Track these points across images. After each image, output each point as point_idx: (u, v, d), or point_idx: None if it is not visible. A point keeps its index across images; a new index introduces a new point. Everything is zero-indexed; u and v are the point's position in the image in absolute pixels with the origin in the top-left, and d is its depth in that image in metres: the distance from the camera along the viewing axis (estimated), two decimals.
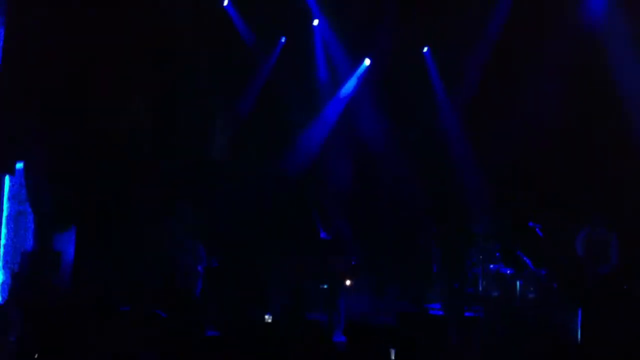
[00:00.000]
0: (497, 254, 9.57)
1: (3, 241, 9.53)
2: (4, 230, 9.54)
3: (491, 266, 9.52)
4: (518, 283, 9.05)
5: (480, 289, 9.50)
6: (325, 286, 9.18)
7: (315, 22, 11.84)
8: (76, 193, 9.85)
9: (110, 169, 10.23)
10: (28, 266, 9.33)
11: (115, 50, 10.33)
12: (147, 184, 10.60)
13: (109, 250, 9.78)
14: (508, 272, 9.26)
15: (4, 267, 9.46)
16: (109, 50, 10.25)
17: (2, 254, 9.49)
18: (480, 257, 9.70)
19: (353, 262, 9.12)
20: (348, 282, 9.04)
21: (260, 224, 10.96)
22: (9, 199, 9.62)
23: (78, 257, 9.71)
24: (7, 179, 9.59)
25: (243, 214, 10.84)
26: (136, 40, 10.56)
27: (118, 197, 10.30)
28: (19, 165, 9.73)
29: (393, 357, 6.31)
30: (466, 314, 8.84)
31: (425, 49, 11.76)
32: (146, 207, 10.46)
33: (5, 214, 9.56)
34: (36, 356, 6.06)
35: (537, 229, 9.27)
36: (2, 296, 9.29)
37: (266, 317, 8.35)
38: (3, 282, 9.40)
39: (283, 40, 11.81)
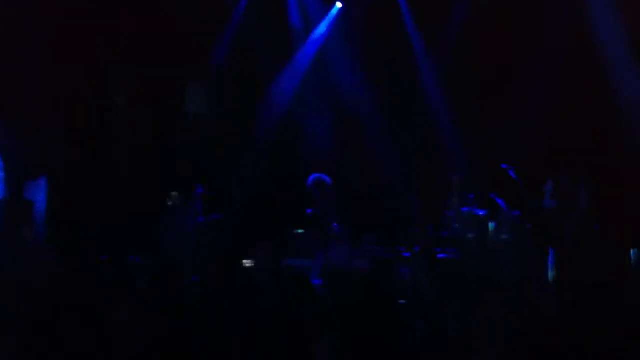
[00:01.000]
0: (471, 196, 9.70)
1: None
2: None
3: (465, 208, 9.66)
4: (491, 225, 9.22)
5: (454, 231, 9.65)
6: (301, 231, 9.26)
7: None
8: (47, 142, 9.75)
9: (83, 119, 10.14)
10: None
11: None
12: (122, 135, 10.53)
13: (83, 200, 9.73)
14: (481, 214, 9.43)
15: None
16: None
17: None
18: (455, 200, 9.83)
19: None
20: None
21: (241, 176, 10.98)
22: None
23: (50, 206, 9.66)
24: None
25: (222, 169, 10.84)
26: None
27: (91, 146, 10.23)
28: None
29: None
30: (440, 255, 9.00)
31: None
32: (122, 158, 10.41)
33: None
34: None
35: (510, 171, 9.40)
36: None
37: (245, 261, 8.42)
38: None
39: None
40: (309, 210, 9.31)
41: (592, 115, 10.24)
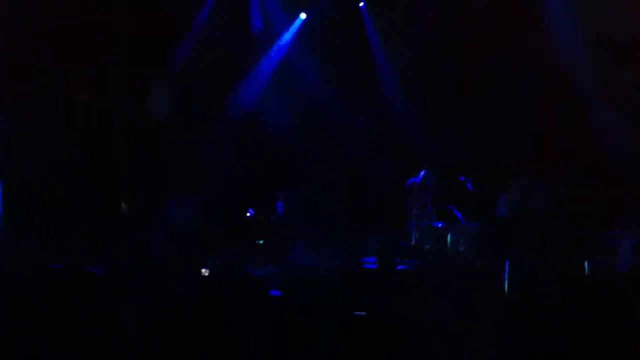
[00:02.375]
0: (429, 208, 9.81)
1: None
2: None
3: (424, 220, 9.77)
4: (449, 236, 9.32)
5: (413, 242, 9.74)
6: (262, 242, 9.26)
7: None
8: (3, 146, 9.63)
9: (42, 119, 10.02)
10: None
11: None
12: (81, 140, 10.43)
13: (37, 206, 9.60)
14: (440, 225, 9.53)
15: None
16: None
17: None
18: (414, 211, 9.92)
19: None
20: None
21: (205, 180, 10.94)
22: None
23: (5, 212, 9.53)
24: None
25: (187, 171, 10.79)
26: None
27: (49, 150, 10.11)
28: None
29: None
30: (399, 267, 9.06)
31: (362, 4, 11.74)
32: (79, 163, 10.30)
33: None
34: None
35: (468, 183, 9.53)
36: None
37: (203, 270, 8.36)
38: None
39: None
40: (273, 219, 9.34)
41: (554, 120, 10.37)
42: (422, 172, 10.02)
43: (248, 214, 9.44)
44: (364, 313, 7.03)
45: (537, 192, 9.08)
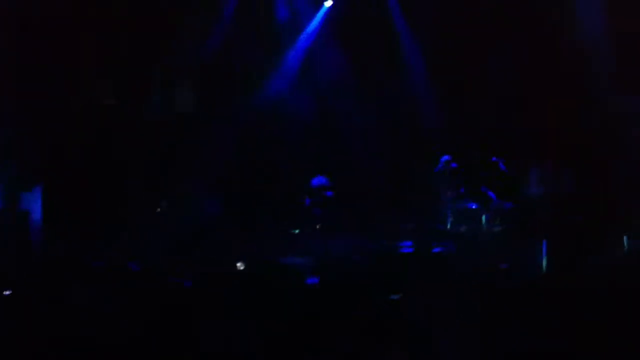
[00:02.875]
0: (462, 190, 9.75)
1: None
2: None
3: (457, 203, 9.72)
4: (484, 217, 9.26)
5: (449, 225, 9.70)
6: (297, 231, 9.31)
7: None
8: (42, 152, 9.81)
9: (76, 128, 10.17)
10: None
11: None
12: (115, 143, 10.57)
13: (77, 209, 9.78)
14: (474, 207, 9.47)
15: None
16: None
17: None
18: (448, 194, 9.87)
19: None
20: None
21: (232, 174, 11.02)
22: None
23: (46, 215, 9.72)
24: None
25: (214, 165, 10.87)
26: None
27: (84, 155, 10.27)
28: None
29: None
30: (435, 249, 9.04)
31: None
32: (114, 165, 10.45)
33: None
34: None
35: (500, 164, 9.44)
36: None
37: (238, 264, 8.44)
38: None
39: None
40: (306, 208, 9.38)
41: (572, 105, 10.23)
42: (445, 157, 9.96)
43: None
44: (398, 296, 7.03)
45: (565, 172, 8.98)
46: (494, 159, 9.49)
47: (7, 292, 6.32)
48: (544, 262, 8.34)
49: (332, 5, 11.80)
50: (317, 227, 9.34)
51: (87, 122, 10.62)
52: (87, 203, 10.03)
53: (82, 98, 10.72)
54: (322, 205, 9.40)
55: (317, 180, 9.52)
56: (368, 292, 6.81)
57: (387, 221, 10.21)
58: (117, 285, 7.18)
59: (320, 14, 11.90)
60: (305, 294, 7.08)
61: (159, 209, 9.72)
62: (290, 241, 9.49)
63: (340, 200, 9.66)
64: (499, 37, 10.69)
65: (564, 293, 6.92)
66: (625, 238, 8.44)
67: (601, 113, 10.05)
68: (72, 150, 10.22)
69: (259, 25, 11.64)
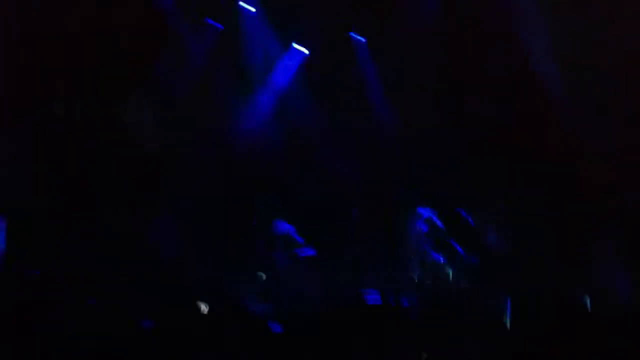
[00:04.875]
0: (430, 241, 9.79)
1: None
2: None
3: (425, 255, 9.74)
4: (450, 271, 9.30)
5: (415, 277, 9.70)
6: (264, 276, 9.20)
7: (248, 8, 11.77)
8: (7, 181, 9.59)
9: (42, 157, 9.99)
10: None
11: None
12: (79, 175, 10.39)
13: (41, 241, 9.53)
14: (441, 260, 9.51)
15: None
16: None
17: None
18: (415, 245, 9.90)
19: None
20: None
21: (196, 214, 10.89)
22: None
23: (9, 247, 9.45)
24: None
25: (177, 204, 10.74)
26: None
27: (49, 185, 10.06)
28: None
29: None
30: (403, 302, 9.01)
31: (353, 34, 11.84)
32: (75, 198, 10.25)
33: None
34: None
35: (468, 218, 9.53)
36: None
37: (202, 306, 8.26)
38: None
39: (215, 26, 11.73)
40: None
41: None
42: (426, 212, 10.03)
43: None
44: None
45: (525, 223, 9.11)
46: (463, 212, 9.58)
47: None
48: (507, 320, 8.38)
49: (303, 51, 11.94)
50: (281, 272, 9.26)
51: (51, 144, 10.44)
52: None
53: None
54: (286, 252, 9.34)
55: (282, 227, 9.48)
56: (331, 342, 6.75)
57: (354, 269, 10.18)
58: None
59: (291, 60, 12.02)
60: (267, 341, 6.98)
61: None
62: (255, 285, 9.36)
63: (307, 245, 9.60)
64: (470, 87, 10.87)
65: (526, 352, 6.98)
66: (587, 299, 8.56)
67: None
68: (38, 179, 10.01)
69: (231, 65, 11.69)
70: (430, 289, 9.38)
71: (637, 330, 7.28)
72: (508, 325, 8.29)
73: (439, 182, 10.76)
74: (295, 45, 11.87)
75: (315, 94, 11.82)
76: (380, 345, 7.07)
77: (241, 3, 11.78)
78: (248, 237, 10.08)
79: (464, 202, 9.84)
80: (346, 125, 11.61)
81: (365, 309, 8.72)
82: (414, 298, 9.24)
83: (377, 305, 9.08)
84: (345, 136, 11.58)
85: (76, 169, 10.54)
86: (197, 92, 11.55)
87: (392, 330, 7.65)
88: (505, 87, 10.65)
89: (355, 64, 11.80)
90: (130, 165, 11.00)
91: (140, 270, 9.45)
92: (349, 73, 11.77)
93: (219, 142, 11.61)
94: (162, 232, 10.15)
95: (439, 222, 9.90)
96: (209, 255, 10.31)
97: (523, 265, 8.99)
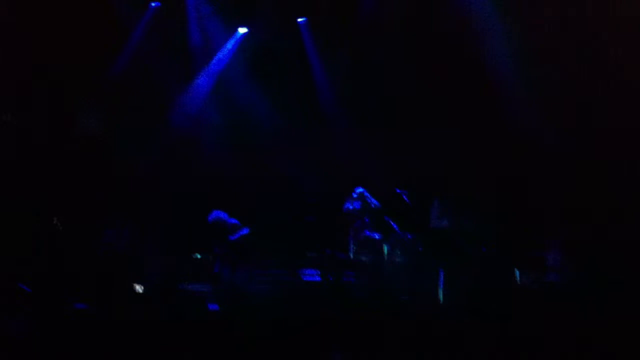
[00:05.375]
0: (366, 220, 9.92)
1: None
2: None
3: (361, 232, 9.88)
4: (386, 247, 9.45)
5: (351, 254, 9.83)
6: (199, 256, 9.23)
7: None
8: None
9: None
10: None
11: None
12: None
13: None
14: (376, 237, 9.66)
15: None
16: None
17: None
18: (352, 223, 10.02)
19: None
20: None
21: (143, 195, 10.84)
22: None
23: None
24: None
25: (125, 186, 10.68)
26: None
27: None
28: None
29: None
30: (341, 278, 9.15)
31: (301, 19, 11.85)
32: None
33: None
34: None
35: (403, 195, 9.69)
36: None
37: (137, 287, 8.27)
38: None
39: (154, 5, 11.59)
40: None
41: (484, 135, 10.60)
42: (359, 189, 10.15)
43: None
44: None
45: (466, 205, 9.30)
46: (398, 190, 9.72)
47: None
48: (440, 293, 8.59)
49: (246, 32, 11.89)
50: (218, 253, 9.29)
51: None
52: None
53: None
54: (220, 237, 9.39)
55: (215, 215, 9.50)
56: (270, 321, 6.82)
57: (290, 249, 10.26)
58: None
59: (234, 40, 11.96)
60: (206, 320, 7.02)
61: (56, 225, 9.43)
62: (192, 267, 9.38)
63: (246, 228, 9.64)
64: (407, 61, 10.97)
65: (459, 324, 7.17)
66: (516, 271, 8.82)
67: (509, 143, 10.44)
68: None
69: (170, 47, 11.57)
70: (367, 265, 9.53)
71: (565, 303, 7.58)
72: (441, 298, 8.52)
73: (378, 164, 10.91)
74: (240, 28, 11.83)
75: (257, 76, 11.80)
76: (318, 320, 7.15)
77: None
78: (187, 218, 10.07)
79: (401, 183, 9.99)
80: (287, 105, 11.64)
81: (304, 286, 8.85)
82: (352, 274, 9.41)
83: (315, 282, 9.23)
84: (285, 117, 11.61)
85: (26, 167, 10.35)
86: (135, 74, 11.39)
87: (331, 305, 7.78)
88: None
89: (296, 44, 11.81)
90: (78, 157, 10.85)
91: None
92: (290, 54, 11.78)
93: (159, 125, 11.52)
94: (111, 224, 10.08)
95: (373, 200, 10.05)
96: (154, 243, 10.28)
97: (457, 240, 9.17)
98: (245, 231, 9.33)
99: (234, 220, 9.43)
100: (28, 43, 10.59)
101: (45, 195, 10.22)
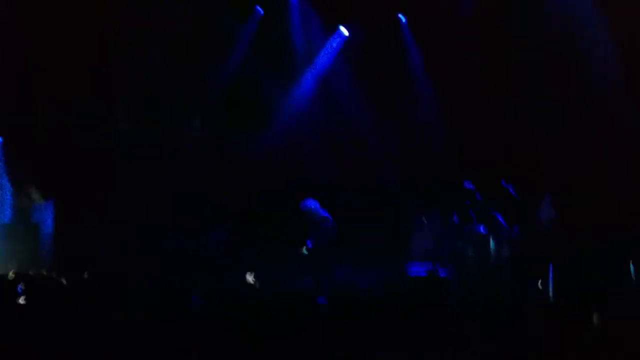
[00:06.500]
0: (472, 214, 9.83)
1: None
2: None
3: (467, 226, 9.80)
4: (492, 242, 9.34)
5: (457, 249, 9.77)
6: (305, 252, 9.39)
7: None
8: (54, 166, 10.01)
9: (87, 143, 10.39)
10: (7, 238, 9.51)
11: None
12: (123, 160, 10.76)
13: (88, 221, 9.97)
14: (483, 231, 9.56)
15: None
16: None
17: None
18: (459, 217, 9.96)
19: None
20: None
21: (241, 196, 11.18)
22: None
23: (57, 228, 9.91)
24: None
25: (223, 186, 11.05)
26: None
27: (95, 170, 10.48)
28: None
29: None
30: (442, 274, 9.11)
31: (402, 18, 11.87)
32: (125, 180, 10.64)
33: None
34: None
35: (510, 189, 9.54)
36: None
37: (248, 276, 8.48)
38: None
39: (260, 12, 11.90)
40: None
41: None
42: (469, 184, 10.04)
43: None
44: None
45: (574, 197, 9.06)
46: (504, 183, 9.58)
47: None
48: (551, 289, 8.39)
49: (348, 33, 12.01)
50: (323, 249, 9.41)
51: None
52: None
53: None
54: (314, 229, 9.50)
55: (308, 204, 9.62)
56: (381, 316, 6.86)
57: (396, 243, 10.30)
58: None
59: (335, 41, 12.11)
60: (316, 315, 7.14)
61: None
62: (299, 262, 9.57)
63: (347, 223, 9.76)
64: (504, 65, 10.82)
65: (570, 322, 6.98)
66: (631, 265, 8.49)
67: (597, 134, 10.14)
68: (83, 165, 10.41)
69: (275, 51, 11.86)
70: (473, 260, 9.44)
71: None
72: (551, 293, 8.32)
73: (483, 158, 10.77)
74: (341, 28, 11.95)
75: (359, 76, 11.90)
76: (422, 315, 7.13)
77: None
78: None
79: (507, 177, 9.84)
80: (388, 106, 11.68)
81: (409, 281, 8.86)
82: (455, 269, 9.33)
83: (421, 277, 9.21)
84: (387, 118, 11.66)
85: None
86: (242, 78, 11.75)
87: (436, 300, 7.74)
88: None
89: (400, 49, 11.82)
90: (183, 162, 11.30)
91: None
92: (392, 53, 11.81)
93: (265, 128, 11.82)
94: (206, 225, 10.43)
95: (479, 195, 9.93)
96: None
97: (565, 235, 8.94)
98: (329, 224, 9.36)
99: (324, 213, 9.51)
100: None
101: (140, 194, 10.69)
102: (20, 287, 6.34)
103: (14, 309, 6.21)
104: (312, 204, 9.56)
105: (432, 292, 8.08)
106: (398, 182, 11.23)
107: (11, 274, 7.72)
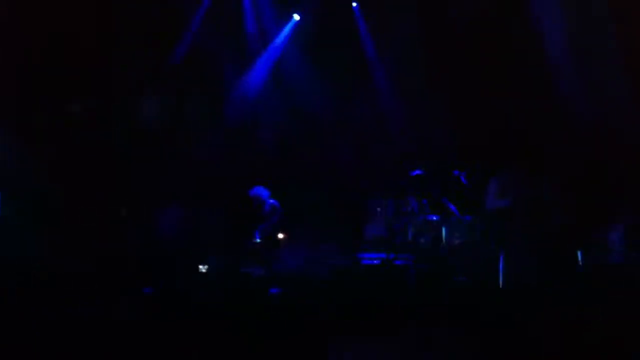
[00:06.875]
0: (424, 202, 9.90)
1: None
2: None
3: (419, 214, 9.87)
4: (444, 229, 9.43)
5: (409, 237, 9.83)
6: (258, 240, 9.35)
7: None
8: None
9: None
10: None
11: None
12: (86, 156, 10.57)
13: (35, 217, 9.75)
14: (434, 219, 9.64)
15: None
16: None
17: None
18: (410, 207, 10.02)
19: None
20: (281, 236, 9.28)
21: (196, 184, 11.07)
22: None
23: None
24: None
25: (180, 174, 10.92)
26: None
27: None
28: None
29: None
30: (396, 262, 9.16)
31: (355, 4, 11.86)
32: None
33: None
34: None
35: (461, 177, 9.62)
36: None
37: (200, 267, 8.46)
38: None
39: None
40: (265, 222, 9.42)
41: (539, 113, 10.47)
42: (417, 171, 10.13)
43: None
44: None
45: (526, 184, 9.12)
46: (456, 172, 9.67)
47: None
48: (500, 276, 8.51)
49: (300, 19, 11.97)
50: (273, 237, 9.41)
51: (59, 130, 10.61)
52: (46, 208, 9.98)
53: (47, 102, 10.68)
54: (262, 215, 9.51)
55: (257, 191, 9.60)
56: (332, 303, 6.89)
57: (347, 232, 10.33)
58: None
59: (288, 27, 12.05)
60: (269, 303, 7.14)
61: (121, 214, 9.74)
62: (250, 251, 9.53)
63: (299, 210, 9.75)
64: (466, 48, 10.89)
65: (519, 307, 7.11)
66: (579, 253, 8.66)
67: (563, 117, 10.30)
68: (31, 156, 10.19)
69: (227, 36, 11.73)
70: (425, 247, 9.52)
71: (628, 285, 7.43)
72: (501, 281, 8.43)
73: (435, 145, 10.86)
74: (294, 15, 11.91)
75: (311, 59, 11.87)
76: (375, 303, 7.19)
77: None
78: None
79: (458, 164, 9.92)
80: (343, 92, 11.68)
81: (363, 270, 8.90)
82: (410, 257, 9.40)
83: (374, 265, 9.26)
84: (342, 105, 11.66)
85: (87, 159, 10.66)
86: (193, 61, 11.59)
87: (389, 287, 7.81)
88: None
89: (350, 29, 11.82)
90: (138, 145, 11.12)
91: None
92: (345, 38, 11.80)
93: (217, 111, 11.71)
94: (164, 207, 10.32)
95: (431, 182, 10.01)
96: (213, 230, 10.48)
97: (514, 223, 9.06)
98: (274, 219, 9.41)
99: (272, 201, 9.50)
100: (91, 34, 10.88)
101: (111, 183, 10.54)
102: None
103: (13, 309, 6.12)
104: (261, 191, 9.55)
105: (386, 280, 8.16)
106: (351, 170, 11.26)
107: None
